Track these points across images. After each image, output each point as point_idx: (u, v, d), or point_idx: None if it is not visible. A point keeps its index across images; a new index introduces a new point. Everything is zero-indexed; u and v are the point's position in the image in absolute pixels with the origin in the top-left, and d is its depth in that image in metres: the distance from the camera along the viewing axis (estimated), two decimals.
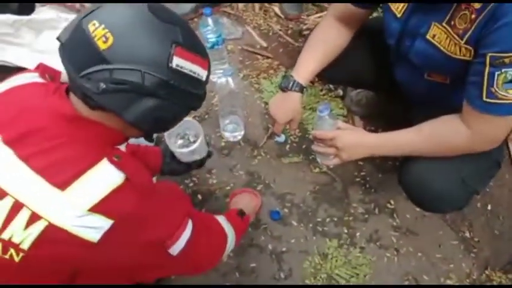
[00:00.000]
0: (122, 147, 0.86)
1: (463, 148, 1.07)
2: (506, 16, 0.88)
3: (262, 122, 1.70)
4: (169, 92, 0.73)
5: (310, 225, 1.45)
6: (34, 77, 0.85)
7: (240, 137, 1.65)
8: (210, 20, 1.65)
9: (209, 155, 1.31)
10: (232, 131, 1.65)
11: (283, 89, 1.28)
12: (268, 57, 1.91)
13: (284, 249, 1.41)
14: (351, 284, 1.34)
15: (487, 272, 1.39)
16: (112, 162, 0.74)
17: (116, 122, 0.76)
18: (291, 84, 1.27)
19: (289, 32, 2.01)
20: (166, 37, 0.72)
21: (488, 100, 0.96)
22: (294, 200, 1.51)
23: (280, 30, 2.02)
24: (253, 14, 2.10)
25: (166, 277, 1.29)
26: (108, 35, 0.69)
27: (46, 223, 0.69)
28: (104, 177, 0.72)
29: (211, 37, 1.67)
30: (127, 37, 0.70)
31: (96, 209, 0.70)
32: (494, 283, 1.38)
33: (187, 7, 2.03)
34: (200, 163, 1.29)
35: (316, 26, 1.36)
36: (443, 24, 1.01)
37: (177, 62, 0.72)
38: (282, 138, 1.63)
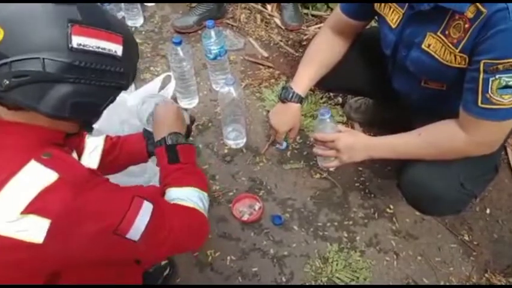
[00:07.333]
0: (100, 140, 0.81)
1: (459, 152, 1.09)
2: (498, 24, 0.92)
3: (264, 130, 1.73)
4: (78, 74, 0.69)
5: (311, 229, 1.47)
6: None
7: (242, 144, 1.69)
8: (212, 32, 1.70)
9: (192, 121, 1.19)
10: (234, 139, 1.68)
11: (283, 100, 1.33)
12: (269, 67, 1.96)
13: (285, 253, 1.43)
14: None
15: (486, 275, 1.40)
16: (40, 161, 0.71)
17: (41, 118, 0.72)
18: (290, 96, 1.31)
19: (290, 42, 2.06)
20: (62, 17, 0.68)
21: (483, 106, 0.99)
22: (295, 205, 1.54)
23: (281, 41, 2.07)
24: (255, 25, 2.15)
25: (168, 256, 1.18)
26: None
27: None
28: (33, 178, 0.70)
29: (214, 48, 1.72)
30: (19, 27, 0.67)
31: (29, 210, 0.68)
32: None
33: (191, 20, 2.09)
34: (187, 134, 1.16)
35: (313, 37, 1.41)
36: (438, 34, 1.05)
37: (77, 40, 0.68)
38: (283, 145, 1.66)
